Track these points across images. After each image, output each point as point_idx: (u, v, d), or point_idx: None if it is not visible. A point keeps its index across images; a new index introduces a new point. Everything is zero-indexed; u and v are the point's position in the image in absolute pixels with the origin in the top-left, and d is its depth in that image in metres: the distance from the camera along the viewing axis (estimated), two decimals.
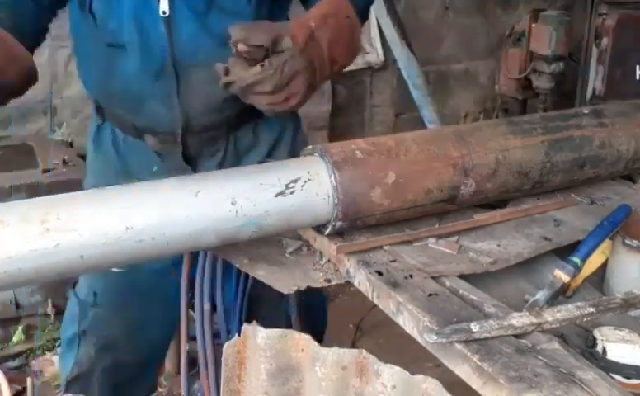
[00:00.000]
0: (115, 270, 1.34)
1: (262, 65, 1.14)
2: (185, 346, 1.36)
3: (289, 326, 1.40)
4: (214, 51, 1.27)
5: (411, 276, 0.96)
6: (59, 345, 2.67)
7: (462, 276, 0.98)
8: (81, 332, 1.57)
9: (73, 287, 1.63)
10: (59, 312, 2.73)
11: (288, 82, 1.15)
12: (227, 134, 1.40)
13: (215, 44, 1.28)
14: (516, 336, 0.84)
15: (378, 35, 3.36)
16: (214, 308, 1.26)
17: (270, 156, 1.44)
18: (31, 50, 1.23)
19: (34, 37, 1.31)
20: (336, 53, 1.22)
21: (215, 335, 1.28)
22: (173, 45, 1.28)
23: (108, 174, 1.46)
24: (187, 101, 1.33)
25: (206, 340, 1.26)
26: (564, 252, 1.06)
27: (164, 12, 1.27)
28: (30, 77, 1.17)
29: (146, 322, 1.55)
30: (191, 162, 1.41)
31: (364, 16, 1.36)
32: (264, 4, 1.33)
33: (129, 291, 1.48)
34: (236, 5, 1.30)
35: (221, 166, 1.40)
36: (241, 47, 1.13)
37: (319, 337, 1.68)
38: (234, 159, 1.42)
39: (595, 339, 0.87)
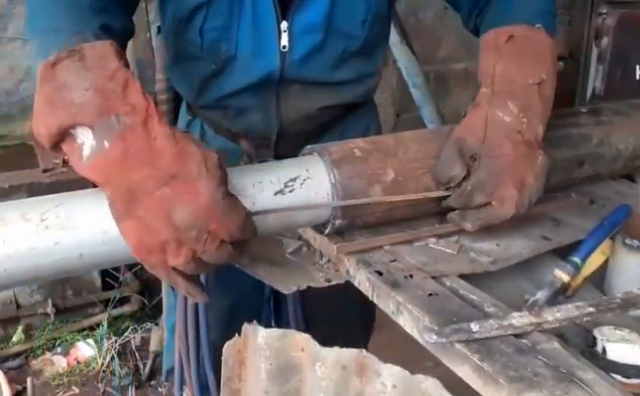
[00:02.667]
0: None
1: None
2: (179, 345, 1.36)
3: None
4: (321, 70, 1.30)
5: (411, 276, 0.96)
6: (59, 344, 2.69)
7: (462, 276, 0.98)
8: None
9: None
10: (59, 311, 2.74)
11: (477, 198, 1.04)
12: (317, 136, 1.40)
13: (324, 64, 1.30)
14: (516, 335, 0.83)
15: None
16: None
17: None
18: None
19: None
20: (532, 82, 1.07)
21: None
22: (284, 67, 1.27)
23: None
24: (284, 111, 1.35)
25: (189, 335, 1.27)
26: (564, 252, 1.06)
27: (284, 47, 1.24)
28: None
29: (237, 307, 1.50)
30: None
31: (552, 23, 1.18)
32: (375, 24, 1.33)
33: (217, 277, 1.44)
34: (351, 28, 1.30)
35: None
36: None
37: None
38: None
39: (595, 339, 0.87)
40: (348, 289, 1.03)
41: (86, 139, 0.83)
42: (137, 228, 0.83)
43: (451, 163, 1.04)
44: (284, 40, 1.24)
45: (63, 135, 0.84)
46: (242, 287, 1.43)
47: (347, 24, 1.29)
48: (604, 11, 3.29)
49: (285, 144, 1.38)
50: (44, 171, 2.58)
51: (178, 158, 0.83)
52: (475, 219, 1.04)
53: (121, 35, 1.02)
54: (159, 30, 2.30)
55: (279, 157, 1.39)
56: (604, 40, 3.28)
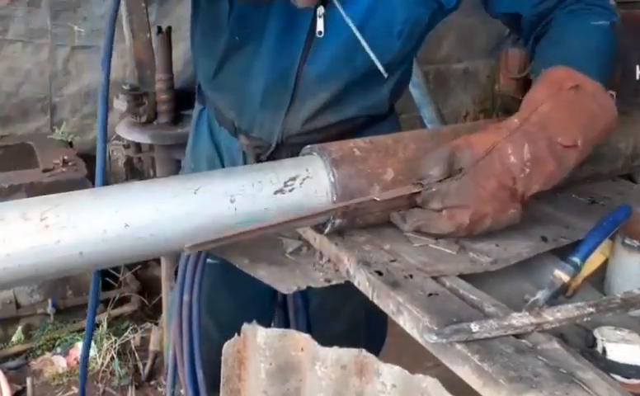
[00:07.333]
0: (209, 260, 1.33)
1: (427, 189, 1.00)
2: (173, 342, 1.36)
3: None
4: (344, 82, 1.26)
5: (411, 276, 0.96)
6: (59, 344, 2.69)
7: (462, 276, 0.98)
8: None
9: None
10: (59, 311, 2.74)
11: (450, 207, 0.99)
12: None
13: (349, 75, 1.25)
14: (516, 336, 0.83)
15: None
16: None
17: None
18: None
19: None
20: (561, 142, 1.00)
21: None
22: (308, 57, 1.22)
23: (201, 157, 1.49)
24: (292, 118, 1.31)
25: (183, 331, 1.26)
26: (564, 252, 1.06)
27: (320, 33, 1.17)
28: None
29: (239, 317, 1.50)
30: None
31: (605, 70, 1.12)
32: (410, 39, 1.26)
33: (220, 283, 1.43)
34: (386, 41, 1.23)
35: None
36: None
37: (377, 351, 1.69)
38: None
39: (595, 339, 0.87)
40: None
41: None
42: None
43: (435, 163, 0.99)
44: (320, 26, 1.17)
45: None
46: (247, 291, 1.41)
47: (383, 30, 1.21)
48: None
49: (285, 153, 1.34)
50: (44, 171, 2.58)
51: None
52: (415, 220, 1.01)
53: None
54: (159, 30, 2.30)
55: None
56: None
